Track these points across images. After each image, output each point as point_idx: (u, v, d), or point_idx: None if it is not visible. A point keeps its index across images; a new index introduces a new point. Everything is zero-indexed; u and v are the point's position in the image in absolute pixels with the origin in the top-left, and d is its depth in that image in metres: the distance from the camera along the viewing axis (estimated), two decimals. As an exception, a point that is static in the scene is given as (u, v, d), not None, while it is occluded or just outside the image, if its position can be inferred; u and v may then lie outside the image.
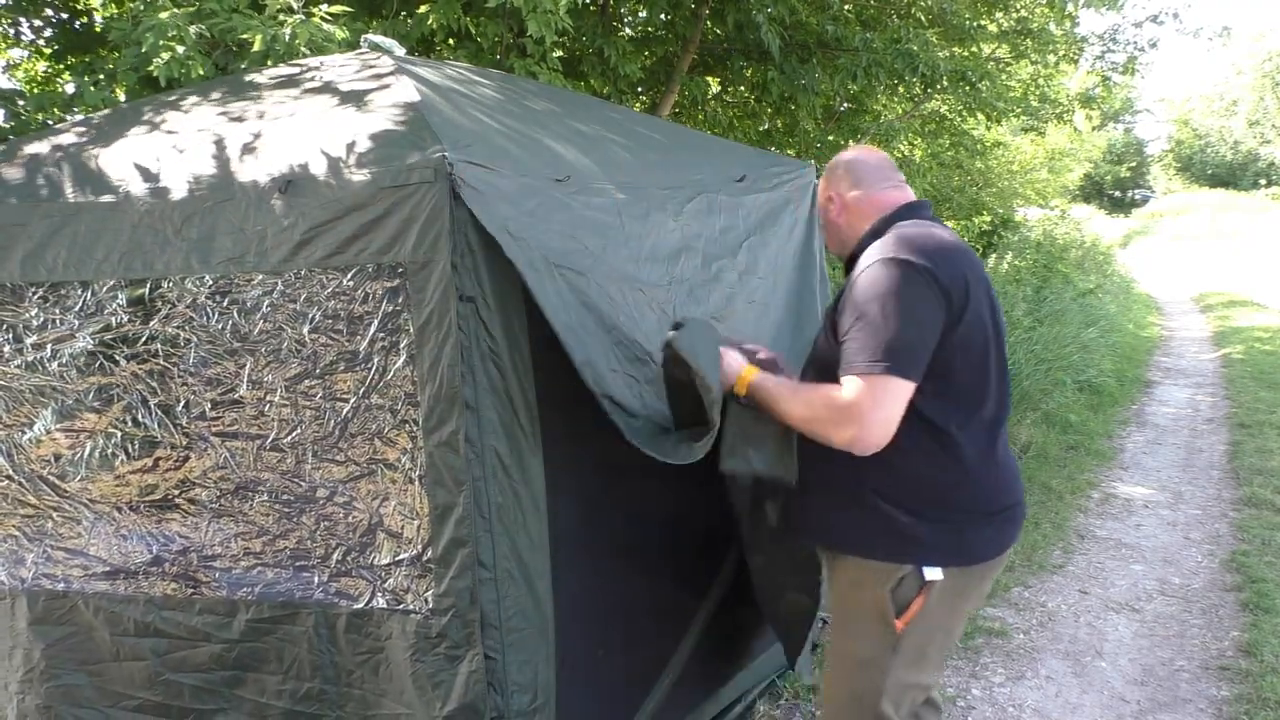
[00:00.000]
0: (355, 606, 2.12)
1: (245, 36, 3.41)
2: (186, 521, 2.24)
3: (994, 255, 12.52)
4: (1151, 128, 62.42)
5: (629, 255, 2.35)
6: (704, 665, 2.78)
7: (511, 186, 2.04)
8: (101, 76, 3.98)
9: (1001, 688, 3.36)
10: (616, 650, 2.53)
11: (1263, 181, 36.30)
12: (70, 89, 3.87)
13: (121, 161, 2.30)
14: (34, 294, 2.27)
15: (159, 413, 2.23)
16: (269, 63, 3.33)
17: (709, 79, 7.47)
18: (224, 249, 2.11)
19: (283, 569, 2.17)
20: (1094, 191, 40.68)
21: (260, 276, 2.09)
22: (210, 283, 2.13)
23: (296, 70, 2.79)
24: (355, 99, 2.35)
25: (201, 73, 3.35)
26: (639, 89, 7.14)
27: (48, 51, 5.32)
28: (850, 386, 1.83)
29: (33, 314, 2.28)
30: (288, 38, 3.34)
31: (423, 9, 4.89)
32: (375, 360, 2.03)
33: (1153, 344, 11.70)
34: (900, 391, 1.82)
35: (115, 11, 4.87)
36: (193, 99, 2.67)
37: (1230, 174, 38.55)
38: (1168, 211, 33.81)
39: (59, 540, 2.35)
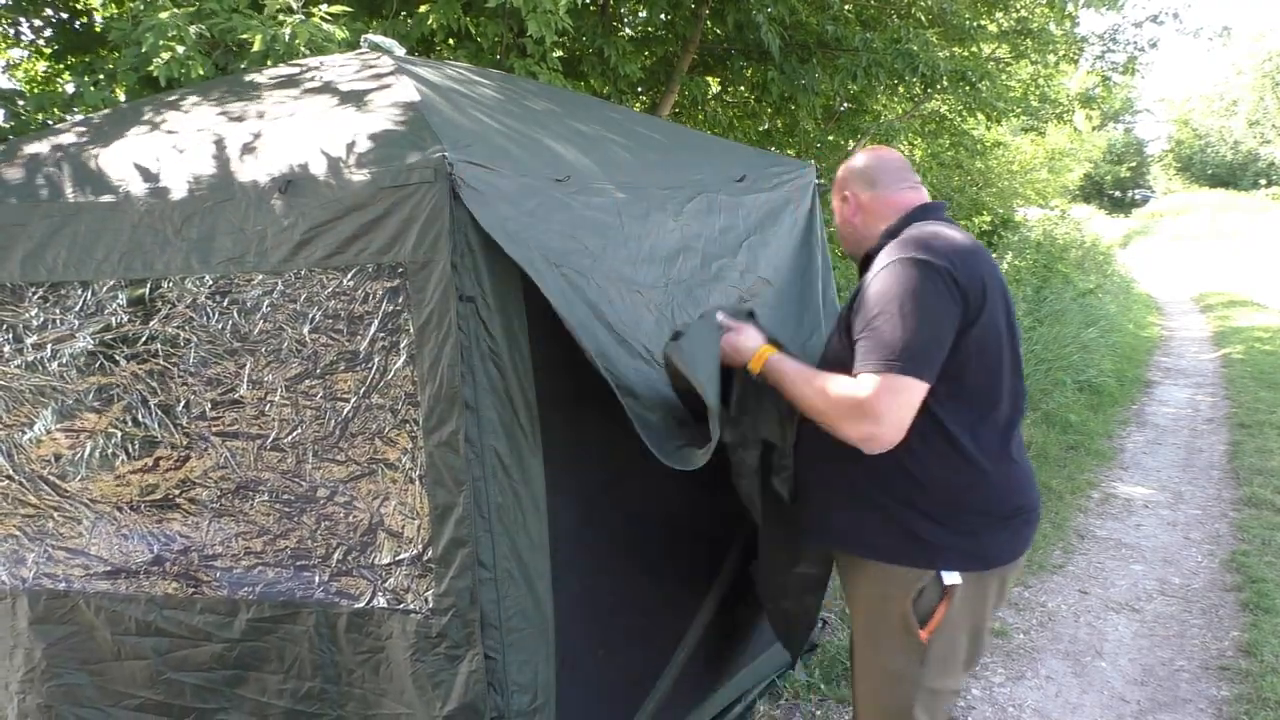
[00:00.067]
0: (356, 606, 2.12)
1: (245, 36, 3.41)
2: (187, 521, 2.24)
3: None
4: (1151, 128, 62.48)
5: (628, 256, 2.35)
6: (704, 665, 2.78)
7: (511, 186, 2.04)
8: (101, 76, 3.98)
9: (1001, 688, 3.36)
10: (616, 650, 2.53)
11: (1263, 181, 36.30)
12: (70, 89, 3.87)
13: (121, 161, 2.30)
14: (34, 294, 2.27)
15: (159, 413, 2.23)
16: (269, 63, 3.33)
17: (709, 79, 7.47)
18: (224, 249, 2.11)
19: (283, 568, 2.17)
20: (1094, 191, 40.69)
21: (260, 276, 2.09)
22: (210, 283, 2.13)
23: (296, 70, 2.79)
24: (355, 99, 2.35)
25: (201, 73, 3.35)
26: (639, 89, 7.14)
27: (48, 51, 5.32)
28: (865, 383, 1.82)
29: (33, 314, 2.28)
30: (288, 38, 3.34)
31: (423, 9, 4.89)
32: (375, 360, 2.03)
33: (1153, 344, 11.71)
34: (914, 392, 1.81)
35: (115, 11, 4.87)
36: (193, 99, 2.67)
37: (1230, 174, 38.55)
38: (1168, 211, 33.81)
39: (60, 540, 2.36)
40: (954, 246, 1.90)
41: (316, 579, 2.15)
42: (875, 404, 1.80)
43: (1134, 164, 43.30)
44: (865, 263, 2.09)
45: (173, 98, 2.74)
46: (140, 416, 2.25)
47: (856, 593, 2.13)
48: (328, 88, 2.50)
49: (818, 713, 3.17)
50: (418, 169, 1.93)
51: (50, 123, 3.88)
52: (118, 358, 2.24)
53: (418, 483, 2.02)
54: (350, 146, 2.05)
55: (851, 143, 8.34)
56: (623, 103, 6.44)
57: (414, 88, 2.31)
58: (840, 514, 2.08)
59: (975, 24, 7.90)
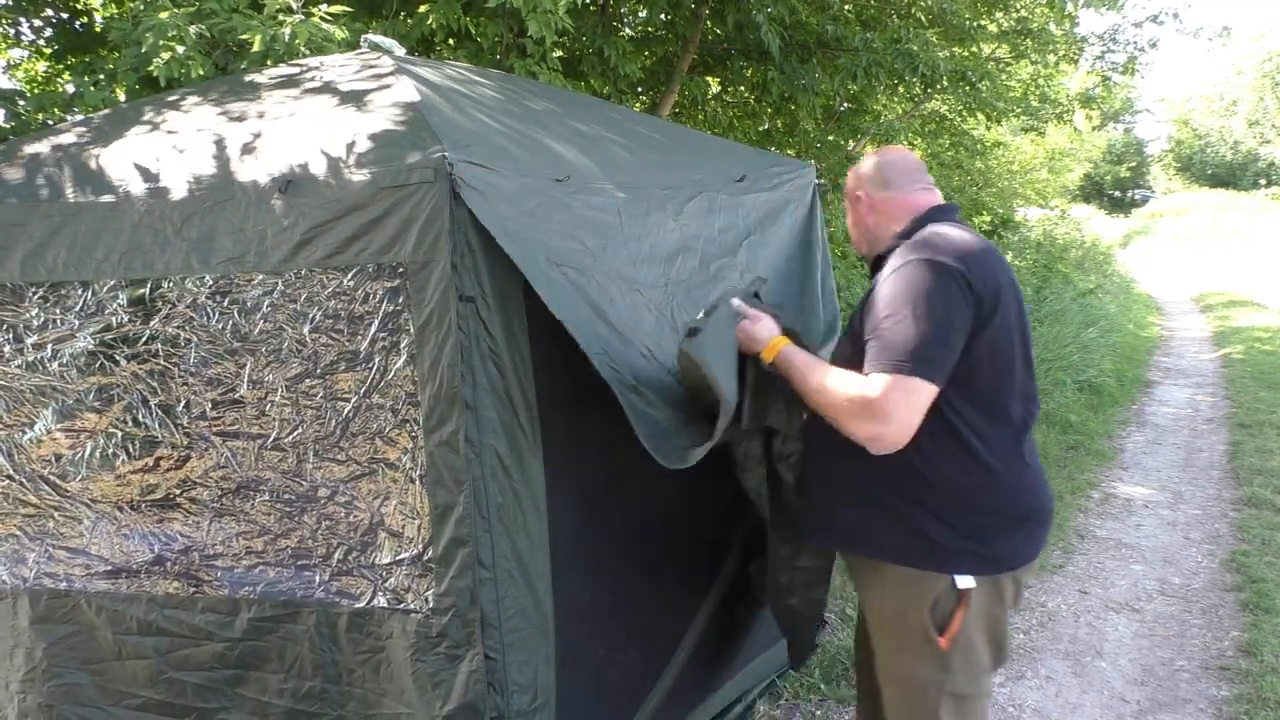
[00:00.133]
0: (356, 606, 2.12)
1: (245, 36, 3.41)
2: (188, 521, 2.25)
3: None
4: (1151, 128, 62.48)
5: (628, 255, 2.35)
6: (704, 665, 2.78)
7: (511, 186, 2.04)
8: (101, 76, 3.98)
9: (1001, 688, 3.36)
10: (616, 650, 2.53)
11: (1263, 181, 36.31)
12: (70, 89, 3.86)
13: (121, 161, 2.30)
14: (34, 294, 2.27)
15: (159, 412, 2.23)
16: (269, 63, 3.33)
17: (709, 79, 7.47)
18: (224, 249, 2.11)
19: (284, 568, 2.18)
20: (1094, 191, 40.69)
21: (260, 276, 2.09)
22: (210, 283, 2.13)
23: (296, 70, 2.79)
24: (355, 99, 2.35)
25: (201, 73, 3.35)
26: (639, 89, 7.14)
27: (48, 51, 5.31)
28: (875, 383, 1.82)
29: (33, 314, 2.28)
30: (287, 38, 3.34)
31: (423, 9, 4.89)
32: (376, 360, 2.03)
33: (1153, 344, 11.71)
34: (924, 393, 1.81)
35: (115, 11, 4.87)
36: (193, 99, 2.67)
37: (1230, 174, 38.55)
38: (1168, 211, 33.81)
39: (60, 540, 2.36)
40: (968, 249, 1.89)
41: (317, 578, 2.15)
42: (884, 404, 1.80)
43: (1134, 164, 43.30)
44: (877, 264, 2.08)
45: (173, 98, 2.74)
46: (140, 416, 2.25)
47: (872, 601, 2.11)
48: (328, 88, 2.50)
49: (818, 713, 3.17)
50: (418, 169, 1.93)
51: (50, 123, 3.88)
52: (118, 358, 2.24)
53: (418, 482, 2.03)
54: (350, 146, 2.05)
55: (851, 143, 8.35)
56: (623, 103, 6.44)
57: (414, 88, 2.32)
58: (847, 512, 2.07)
59: (975, 24, 7.90)
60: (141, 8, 3.61)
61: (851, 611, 3.76)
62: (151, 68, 3.31)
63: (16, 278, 2.27)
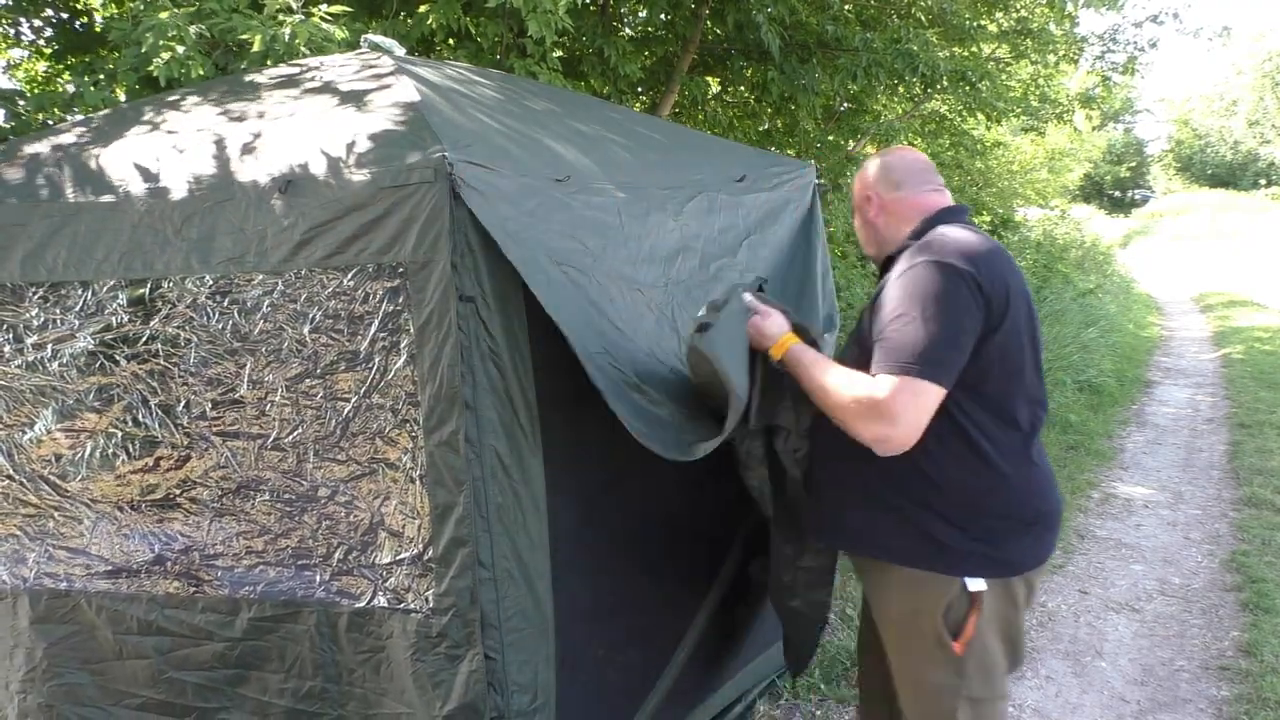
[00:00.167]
0: (356, 605, 2.12)
1: (245, 36, 3.41)
2: (188, 521, 2.25)
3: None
4: (1151, 128, 62.48)
5: (629, 255, 2.35)
6: (704, 665, 2.78)
7: (511, 186, 2.04)
8: (101, 76, 3.98)
9: (1001, 687, 3.36)
10: (616, 650, 2.53)
11: (1263, 181, 36.32)
12: (70, 89, 3.86)
13: (121, 161, 2.30)
14: (34, 294, 2.27)
15: (159, 412, 2.23)
16: (269, 63, 3.33)
17: (709, 79, 7.47)
18: (224, 249, 2.11)
19: (284, 568, 2.18)
20: (1094, 191, 40.69)
21: (260, 276, 2.09)
22: (210, 283, 2.13)
23: (296, 70, 2.79)
24: (355, 99, 2.35)
25: (201, 73, 3.35)
26: (639, 89, 7.14)
27: (48, 51, 5.32)
28: (883, 384, 1.81)
29: (33, 314, 2.28)
30: (287, 38, 3.34)
31: (423, 9, 4.89)
32: (376, 360, 2.03)
33: (1153, 344, 11.71)
34: (931, 396, 1.80)
35: (115, 11, 4.87)
36: (193, 99, 2.67)
37: (1230, 174, 38.57)
38: (1168, 211, 33.82)
39: (60, 540, 2.36)
40: (978, 251, 1.88)
41: (317, 578, 2.15)
42: (891, 405, 1.79)
43: (1134, 164, 43.31)
44: (886, 265, 2.06)
45: (173, 98, 2.74)
46: (140, 416, 2.25)
47: (882, 605, 2.09)
48: (328, 88, 2.51)
49: (818, 713, 3.17)
50: (418, 169, 1.93)
51: (50, 123, 3.88)
52: (118, 358, 2.24)
53: (418, 482, 2.03)
54: (350, 146, 2.05)
55: (851, 143, 8.35)
56: (623, 103, 6.44)
57: (414, 88, 2.32)
58: (854, 514, 2.06)
59: (975, 24, 7.90)
60: (141, 8, 3.62)
61: (851, 611, 3.76)
62: (151, 68, 3.31)
63: (16, 278, 2.27)
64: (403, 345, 2.00)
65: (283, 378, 2.12)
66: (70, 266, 2.23)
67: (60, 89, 5.03)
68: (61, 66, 5.25)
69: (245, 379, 2.15)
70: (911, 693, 2.07)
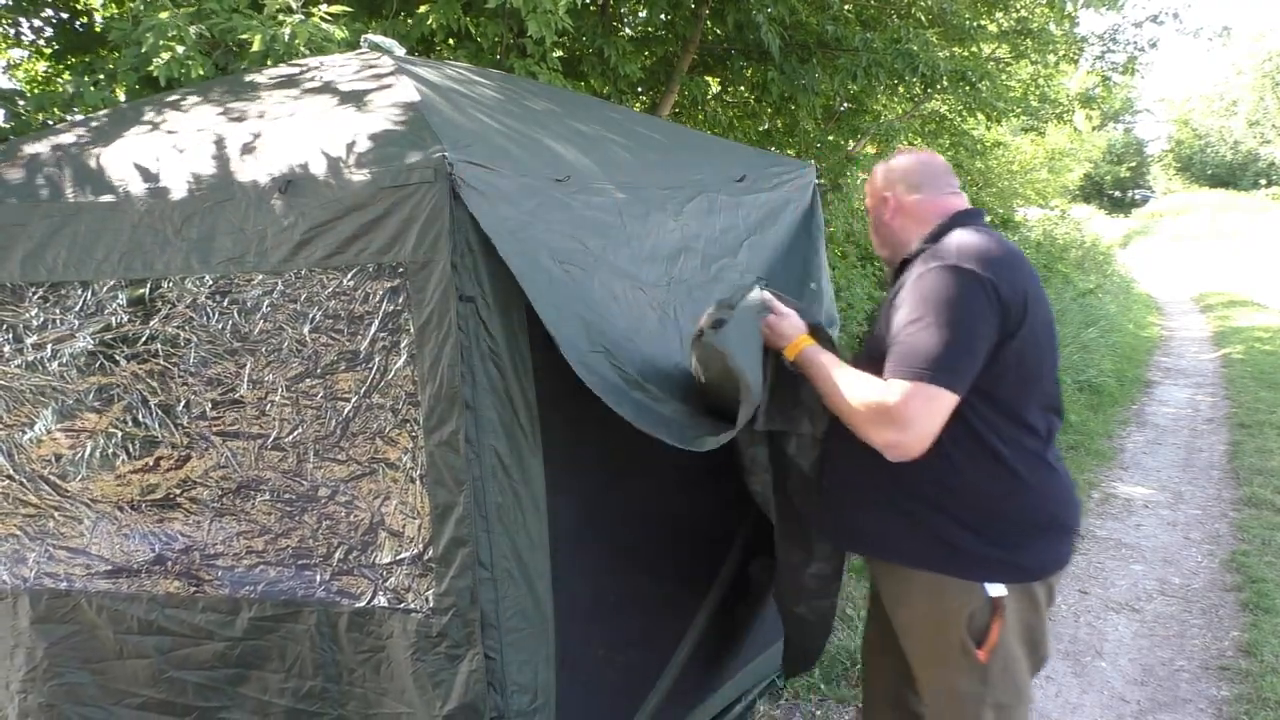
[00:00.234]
0: (357, 605, 2.12)
1: (245, 36, 3.41)
2: (188, 520, 2.25)
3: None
4: (1151, 128, 62.44)
5: (630, 255, 2.35)
6: (704, 665, 2.78)
7: (511, 186, 2.04)
8: (101, 76, 3.97)
9: (1001, 687, 3.36)
10: (616, 650, 2.54)
11: (1263, 181, 36.32)
12: (70, 89, 3.85)
13: (121, 161, 2.30)
14: (34, 294, 2.27)
15: (159, 412, 2.23)
16: (269, 63, 3.33)
17: (709, 79, 7.47)
18: (224, 249, 2.11)
19: (285, 567, 2.18)
20: (1094, 191, 40.68)
21: (260, 276, 2.09)
22: (210, 283, 2.14)
23: (296, 70, 2.80)
24: (355, 99, 2.35)
25: (201, 73, 3.35)
26: (639, 89, 7.13)
27: (48, 51, 5.32)
28: (894, 389, 1.79)
29: (33, 314, 2.28)
30: (287, 38, 3.34)
31: (423, 9, 4.89)
32: (376, 360, 2.03)
33: (1153, 344, 11.71)
34: (944, 403, 1.78)
35: (115, 11, 4.87)
36: (193, 99, 2.68)
37: (1230, 174, 38.57)
38: (1168, 211, 33.82)
39: (60, 540, 2.36)
40: (997, 256, 1.85)
41: (318, 578, 2.15)
42: (902, 411, 1.77)
43: (1134, 164, 43.31)
44: (901, 268, 2.04)
45: (173, 98, 2.74)
46: (140, 416, 2.25)
47: (901, 612, 2.07)
48: (328, 88, 2.51)
49: (818, 713, 3.17)
50: (418, 169, 1.93)
51: (50, 123, 3.88)
52: (118, 358, 2.24)
53: (418, 482, 2.03)
54: (350, 146, 2.05)
55: (851, 143, 8.34)
56: (623, 103, 6.44)
57: (414, 88, 2.32)
58: (866, 516, 2.04)
59: (975, 24, 7.90)
60: (141, 8, 3.61)
61: (852, 611, 3.76)
62: (151, 68, 3.31)
63: (16, 278, 2.27)
64: (403, 345, 2.00)
65: (283, 378, 2.12)
66: (70, 266, 2.23)
67: (60, 89, 5.02)
68: (61, 66, 5.25)
69: (245, 379, 2.15)
70: (935, 700, 2.05)
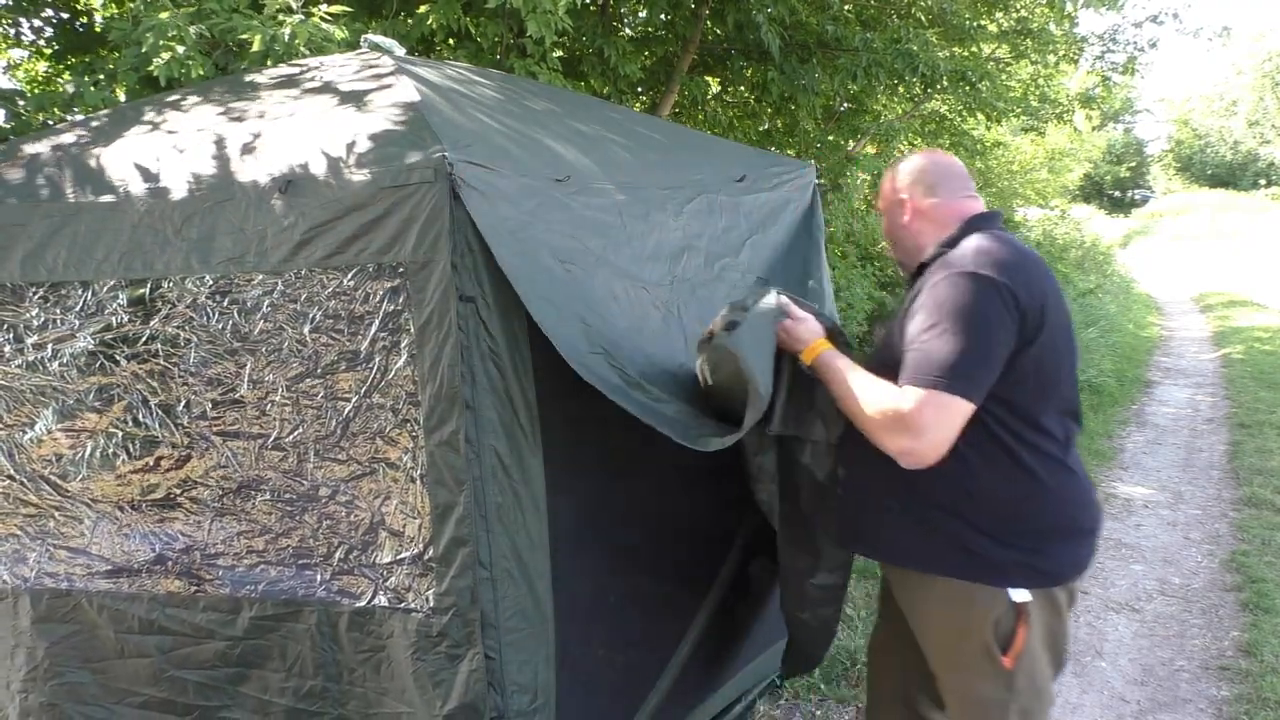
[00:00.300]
0: (357, 605, 2.12)
1: (245, 36, 3.41)
2: (189, 520, 2.25)
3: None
4: (1151, 128, 62.46)
5: (632, 254, 2.35)
6: (704, 665, 2.78)
7: (511, 186, 2.04)
8: (101, 76, 3.98)
9: (1001, 687, 3.36)
10: (616, 650, 2.53)
11: (1263, 181, 36.33)
12: (70, 89, 3.86)
13: (121, 161, 2.30)
14: (34, 294, 2.27)
15: (160, 412, 2.23)
16: (269, 63, 3.33)
17: (709, 79, 7.47)
18: (224, 249, 2.11)
19: (285, 567, 2.18)
20: (1094, 191, 40.68)
21: (260, 276, 2.09)
22: (210, 283, 2.14)
23: (296, 70, 2.80)
24: (355, 99, 2.36)
25: (201, 73, 3.35)
26: (639, 89, 7.14)
27: (48, 51, 5.32)
28: (909, 397, 1.77)
29: (33, 314, 2.28)
30: (287, 38, 3.34)
31: (423, 9, 4.89)
32: (376, 360, 2.03)
33: (1153, 344, 11.71)
34: (960, 411, 1.76)
35: (115, 11, 4.87)
36: (193, 99, 2.68)
37: (1230, 174, 38.57)
38: (1168, 211, 33.83)
39: (61, 539, 2.36)
40: (1016, 262, 1.83)
41: (318, 578, 2.15)
42: (917, 419, 1.75)
43: (1134, 164, 43.30)
44: (918, 272, 2.00)
45: (173, 98, 2.74)
46: (141, 416, 2.25)
47: (925, 620, 2.04)
48: (328, 88, 2.51)
49: (818, 713, 3.17)
50: (418, 169, 1.93)
51: (50, 123, 3.88)
52: (118, 358, 2.24)
53: (419, 482, 2.03)
54: (350, 146, 2.05)
55: (851, 143, 8.34)
56: (623, 103, 6.44)
57: (414, 88, 2.32)
58: (881, 520, 2.01)
59: (975, 24, 7.90)
60: (141, 8, 3.62)
61: (852, 612, 3.76)
62: (151, 68, 3.31)
63: (16, 278, 2.27)
64: (403, 345, 2.00)
65: (283, 377, 2.12)
66: (70, 266, 2.23)
67: (60, 89, 5.02)
68: (61, 66, 5.25)
69: (245, 379, 2.15)
70: (959, 706, 2.03)
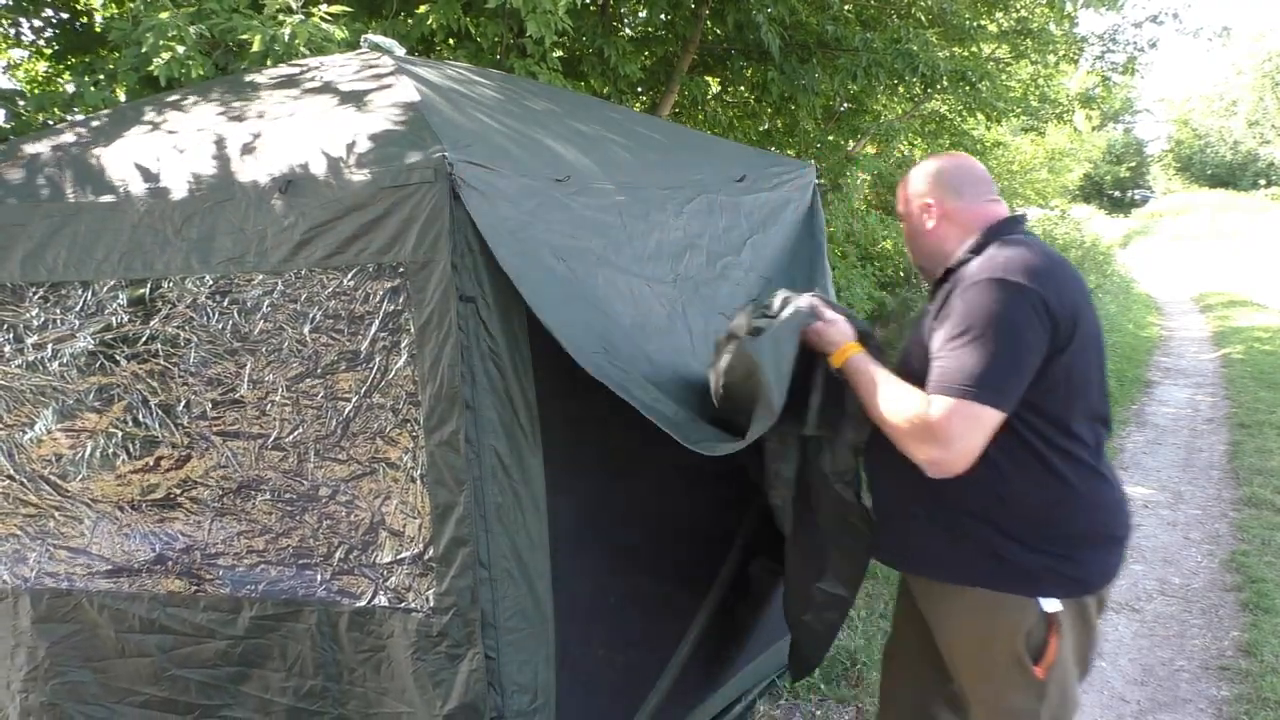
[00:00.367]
0: (357, 604, 2.12)
1: (245, 36, 3.41)
2: (189, 520, 2.25)
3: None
4: (1151, 128, 62.52)
5: (632, 254, 2.35)
6: (704, 665, 2.78)
7: (511, 186, 2.04)
8: (101, 76, 3.98)
9: (1001, 687, 3.36)
10: (616, 650, 2.54)
11: (1262, 181, 36.35)
12: (70, 89, 3.87)
13: (121, 161, 2.30)
14: (34, 294, 2.27)
15: (160, 412, 2.23)
16: (269, 63, 3.33)
17: (709, 79, 7.47)
18: (224, 249, 2.11)
19: (285, 567, 2.18)
20: (1094, 191, 40.69)
21: (260, 276, 2.09)
22: (210, 283, 2.14)
23: (296, 70, 2.80)
24: (355, 99, 2.36)
25: (201, 73, 3.35)
26: (639, 89, 7.14)
27: (48, 51, 5.32)
28: (939, 406, 1.74)
29: (33, 314, 2.28)
30: (287, 38, 3.34)
31: (423, 9, 4.89)
32: (376, 360, 2.03)
33: (1153, 344, 11.70)
34: (989, 421, 1.73)
35: (115, 11, 4.87)
36: (193, 99, 2.68)
37: (1230, 174, 38.59)
38: (1168, 211, 33.85)
39: (61, 539, 2.36)
40: (1046, 268, 1.80)
41: (318, 577, 2.16)
42: (945, 428, 1.73)
43: (1134, 164, 43.32)
44: (944, 277, 1.96)
45: (173, 98, 2.74)
46: (141, 416, 2.25)
47: (952, 630, 2.00)
48: (328, 88, 2.51)
49: (818, 713, 3.17)
50: (418, 169, 1.93)
51: (50, 123, 3.88)
52: (118, 358, 2.24)
53: (419, 482, 2.03)
54: (350, 146, 2.05)
55: (851, 143, 8.35)
56: (623, 103, 6.44)
57: (414, 88, 2.32)
58: (909, 528, 1.99)
59: (975, 24, 7.90)
60: (141, 8, 3.62)
61: (852, 612, 3.76)
62: (151, 68, 3.31)
63: (16, 278, 2.27)
64: (403, 345, 2.00)
65: (283, 377, 2.12)
66: (70, 266, 2.23)
67: (60, 89, 5.03)
68: (61, 66, 5.26)
69: (245, 379, 2.15)
70: (988, 717, 2.00)
